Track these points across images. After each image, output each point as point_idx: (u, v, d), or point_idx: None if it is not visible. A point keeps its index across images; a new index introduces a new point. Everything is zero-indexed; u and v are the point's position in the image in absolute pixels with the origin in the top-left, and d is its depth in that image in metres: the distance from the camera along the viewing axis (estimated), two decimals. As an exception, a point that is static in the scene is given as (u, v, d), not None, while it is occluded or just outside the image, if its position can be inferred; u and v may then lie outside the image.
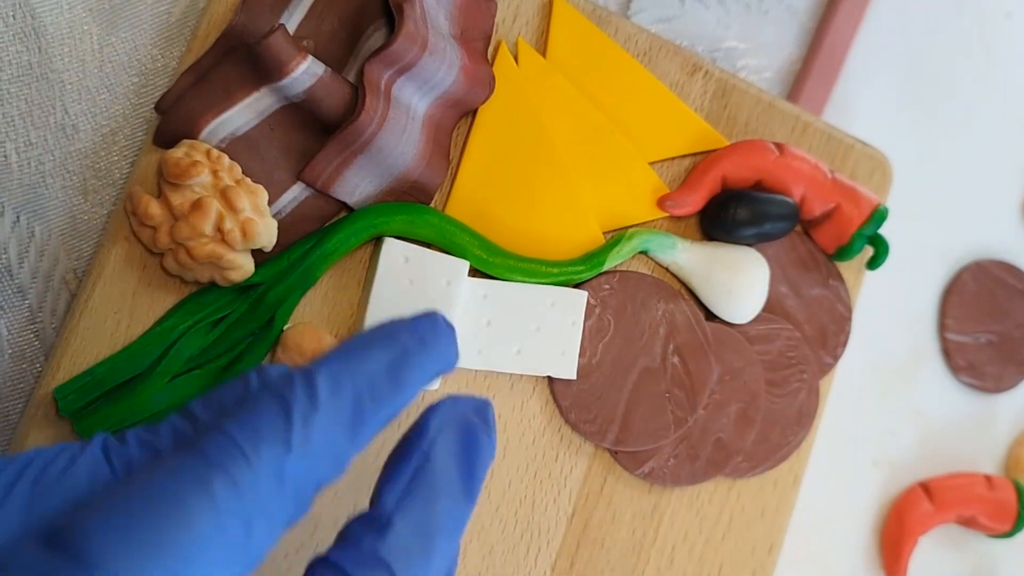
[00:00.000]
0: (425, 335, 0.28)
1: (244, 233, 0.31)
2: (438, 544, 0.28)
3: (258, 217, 0.32)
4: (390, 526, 0.27)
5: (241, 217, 0.31)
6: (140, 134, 0.35)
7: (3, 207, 0.33)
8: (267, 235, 0.32)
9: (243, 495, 0.23)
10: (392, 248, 0.35)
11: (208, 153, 0.32)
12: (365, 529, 0.27)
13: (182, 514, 0.22)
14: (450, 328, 0.29)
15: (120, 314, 0.33)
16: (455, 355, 0.29)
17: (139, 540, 0.21)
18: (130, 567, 0.21)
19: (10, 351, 0.34)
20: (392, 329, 0.28)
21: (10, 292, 0.34)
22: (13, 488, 0.23)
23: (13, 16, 0.32)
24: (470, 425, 0.30)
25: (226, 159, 0.32)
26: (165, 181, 0.32)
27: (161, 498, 0.22)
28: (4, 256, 0.33)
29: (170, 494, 0.22)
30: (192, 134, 0.33)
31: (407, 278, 0.35)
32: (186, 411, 0.26)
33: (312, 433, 0.24)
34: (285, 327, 0.34)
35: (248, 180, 0.32)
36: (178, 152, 0.32)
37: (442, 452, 0.29)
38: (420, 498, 0.28)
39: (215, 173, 0.32)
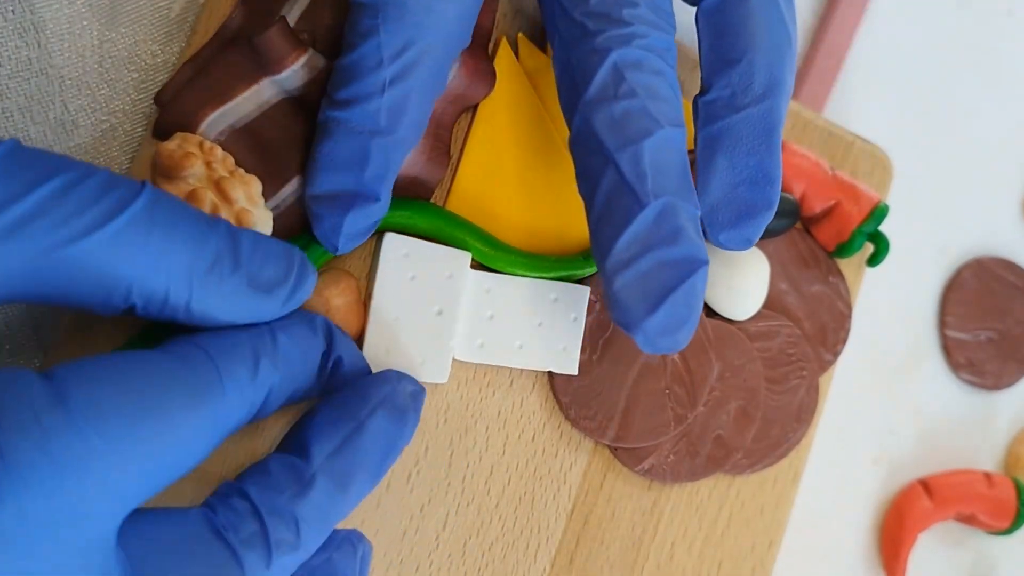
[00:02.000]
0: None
1: (239, 224, 0.31)
2: (340, 516, 0.27)
3: (253, 208, 0.32)
4: (313, 485, 0.26)
5: (236, 208, 0.31)
6: (140, 130, 0.35)
7: (2, 202, 0.33)
8: (262, 226, 0.32)
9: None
10: (392, 243, 0.35)
11: (201, 145, 0.32)
12: (289, 478, 0.26)
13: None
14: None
15: (119, 309, 0.33)
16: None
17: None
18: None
19: (8, 346, 0.34)
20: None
21: (9, 287, 0.34)
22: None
23: (12, 11, 0.32)
24: (405, 407, 0.30)
25: (219, 150, 0.32)
26: (159, 174, 0.32)
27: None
28: (3, 251, 0.33)
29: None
30: (192, 127, 0.33)
31: (409, 273, 0.35)
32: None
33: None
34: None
35: (241, 171, 0.32)
36: (171, 144, 0.32)
37: (375, 426, 0.28)
38: (345, 465, 0.27)
39: (208, 164, 0.31)
